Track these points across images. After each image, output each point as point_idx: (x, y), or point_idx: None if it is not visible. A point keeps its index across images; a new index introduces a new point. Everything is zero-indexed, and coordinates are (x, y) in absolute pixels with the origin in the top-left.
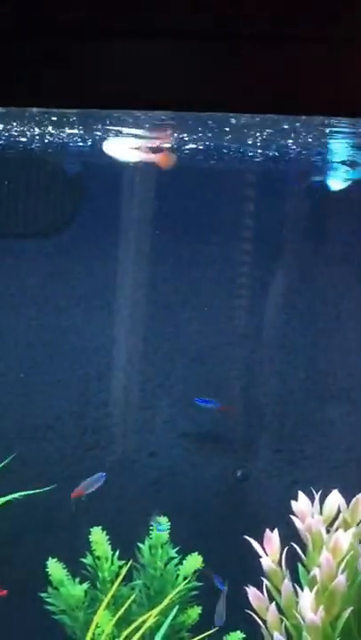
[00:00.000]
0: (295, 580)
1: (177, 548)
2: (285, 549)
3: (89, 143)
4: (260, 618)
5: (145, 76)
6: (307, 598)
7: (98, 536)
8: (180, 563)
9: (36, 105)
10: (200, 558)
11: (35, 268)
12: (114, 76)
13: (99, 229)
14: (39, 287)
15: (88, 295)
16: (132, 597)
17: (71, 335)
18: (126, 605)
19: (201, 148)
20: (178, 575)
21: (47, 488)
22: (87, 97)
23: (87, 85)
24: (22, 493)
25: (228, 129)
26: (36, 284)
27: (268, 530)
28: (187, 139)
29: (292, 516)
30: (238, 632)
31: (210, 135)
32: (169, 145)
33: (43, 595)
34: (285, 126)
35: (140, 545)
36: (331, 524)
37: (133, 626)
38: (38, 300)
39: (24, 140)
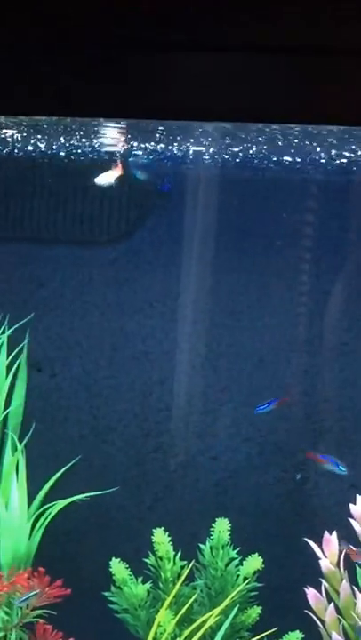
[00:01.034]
0: (353, 581)
1: (237, 549)
2: (344, 551)
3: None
4: (318, 618)
5: (222, 87)
6: None
7: (160, 537)
8: (241, 563)
9: (110, 116)
10: (260, 559)
11: (100, 274)
12: (188, 88)
13: (164, 237)
14: (104, 293)
15: (152, 301)
16: (194, 597)
17: (135, 340)
18: (188, 605)
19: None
20: (238, 576)
21: (110, 490)
22: (166, 108)
23: (163, 97)
24: (86, 494)
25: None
26: (101, 290)
27: (326, 532)
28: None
29: (350, 519)
30: (297, 632)
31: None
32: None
33: (106, 594)
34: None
35: (202, 546)
36: None
37: (194, 625)
38: (102, 306)
39: (93, 149)
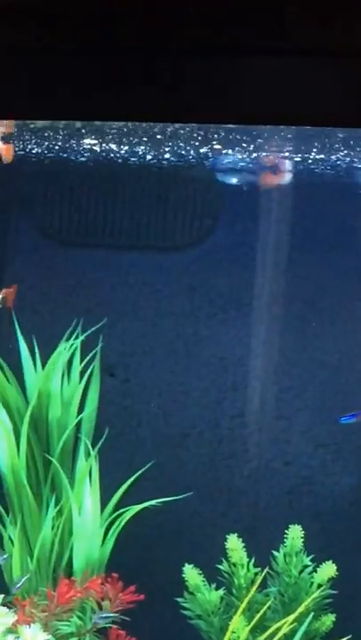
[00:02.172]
0: None
1: (311, 556)
2: None
3: (229, 158)
4: None
5: (295, 92)
6: None
7: (234, 543)
8: (315, 571)
9: (187, 121)
10: (334, 567)
11: (174, 279)
12: (263, 93)
13: (238, 242)
14: (178, 298)
15: (225, 306)
16: (268, 604)
17: (208, 345)
18: (261, 612)
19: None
20: (312, 583)
21: (184, 495)
22: (237, 113)
23: (237, 101)
24: (159, 500)
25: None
26: (174, 296)
27: None
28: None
29: None
30: None
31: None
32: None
33: (179, 600)
34: None
35: (275, 552)
36: None
37: (268, 632)
38: (176, 311)
39: (164, 155)
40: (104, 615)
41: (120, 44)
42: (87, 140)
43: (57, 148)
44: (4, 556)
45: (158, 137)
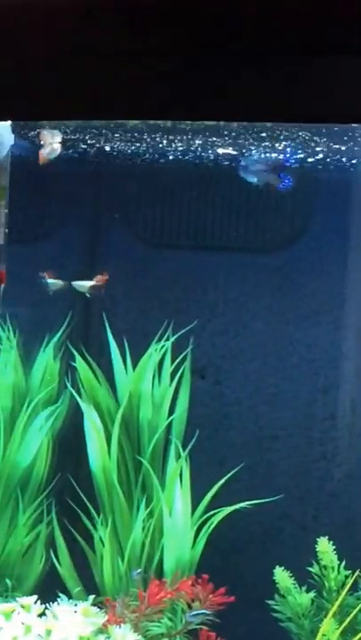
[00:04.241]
0: None
1: None
2: None
3: (324, 159)
4: None
5: None
6: None
7: (324, 545)
8: None
9: (278, 120)
10: None
11: (265, 281)
12: (344, 91)
13: (330, 243)
14: (269, 300)
15: (317, 309)
16: (358, 607)
17: (300, 348)
18: (352, 615)
19: None
20: None
21: (274, 498)
22: (330, 112)
23: (327, 101)
24: (250, 502)
25: None
26: (266, 298)
27: None
28: None
29: None
30: None
31: None
32: None
33: (270, 602)
34: None
35: None
36: None
37: (359, 635)
38: (267, 314)
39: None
40: (196, 612)
41: (218, 47)
42: (178, 141)
43: (149, 148)
44: (138, 571)
45: (250, 138)
